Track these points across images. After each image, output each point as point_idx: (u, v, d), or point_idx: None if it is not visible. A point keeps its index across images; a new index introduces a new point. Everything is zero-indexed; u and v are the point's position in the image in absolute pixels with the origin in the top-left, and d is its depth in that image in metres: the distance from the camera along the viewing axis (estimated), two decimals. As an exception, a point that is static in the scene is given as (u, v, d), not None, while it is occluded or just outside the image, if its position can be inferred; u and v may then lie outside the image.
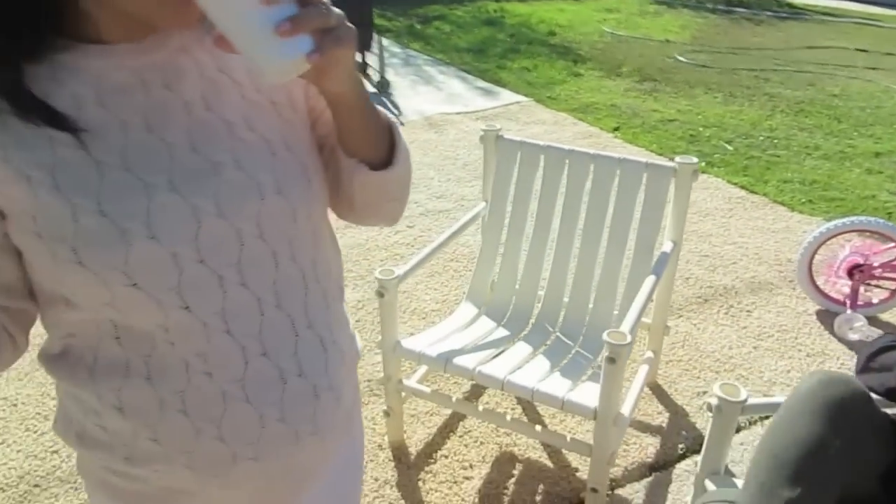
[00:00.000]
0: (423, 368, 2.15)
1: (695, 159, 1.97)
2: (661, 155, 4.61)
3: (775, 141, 4.97)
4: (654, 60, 7.34)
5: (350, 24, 0.64)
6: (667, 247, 2.08)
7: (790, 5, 11.75)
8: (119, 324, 0.72)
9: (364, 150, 0.79)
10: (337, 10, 0.63)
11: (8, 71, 0.62)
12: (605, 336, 1.54)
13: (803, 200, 4.04)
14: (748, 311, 2.95)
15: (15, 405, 2.34)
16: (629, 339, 1.54)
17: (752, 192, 4.16)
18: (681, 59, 7.40)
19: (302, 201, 0.77)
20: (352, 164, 0.80)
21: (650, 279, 1.87)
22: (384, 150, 0.81)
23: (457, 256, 3.26)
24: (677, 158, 1.99)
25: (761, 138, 5.01)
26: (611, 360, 1.52)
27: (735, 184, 4.24)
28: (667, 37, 8.64)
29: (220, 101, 0.73)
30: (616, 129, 5.18)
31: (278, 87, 0.76)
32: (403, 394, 2.05)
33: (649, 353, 2.27)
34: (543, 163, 2.12)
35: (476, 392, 2.40)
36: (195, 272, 0.70)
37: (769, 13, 10.96)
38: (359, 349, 0.95)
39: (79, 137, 0.65)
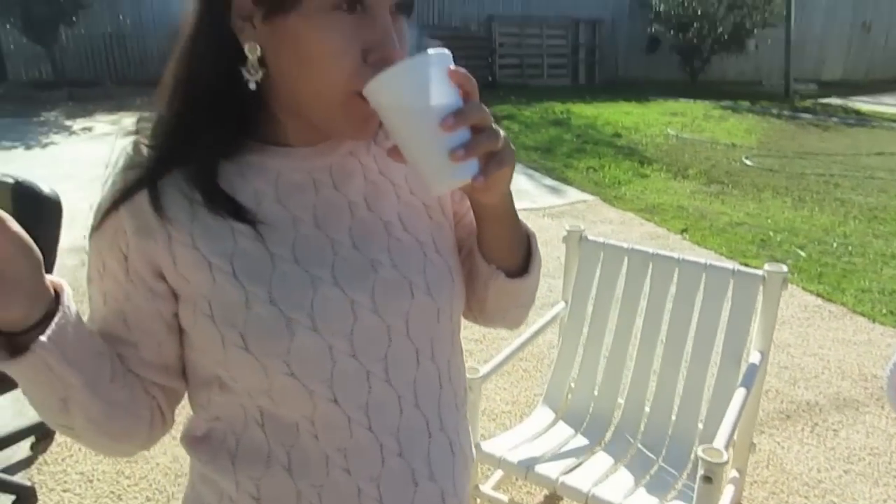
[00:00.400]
0: (497, 474, 2.08)
1: (784, 267, 1.93)
2: (731, 258, 4.54)
3: (850, 248, 4.84)
4: (721, 163, 7.35)
5: (512, 146, 0.69)
6: (755, 357, 2.00)
7: (857, 112, 11.70)
8: (267, 411, 0.74)
9: (503, 257, 0.82)
10: (502, 132, 0.67)
11: (206, 169, 0.71)
12: (699, 452, 1.47)
13: (884, 311, 3.87)
14: (835, 430, 2.79)
15: (90, 481, 2.36)
16: (726, 456, 1.47)
17: (830, 300, 4.02)
18: (748, 162, 7.40)
19: (447, 302, 0.80)
20: (490, 269, 0.82)
21: (740, 392, 1.80)
22: (521, 257, 0.84)
23: (527, 356, 3.21)
24: (766, 266, 1.95)
25: (835, 245, 4.89)
26: (706, 479, 1.45)
27: (811, 291, 4.11)
28: (732, 140, 8.69)
29: (379, 202, 0.79)
30: (684, 230, 5.14)
31: (428, 193, 0.81)
32: (479, 500, 1.99)
33: (734, 473, 2.15)
34: (627, 265, 2.11)
35: (551, 502, 2.30)
36: (347, 366, 0.72)
37: (836, 119, 10.92)
38: (474, 454, 0.94)
39: (257, 230, 0.71)
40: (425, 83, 0.64)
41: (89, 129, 8.69)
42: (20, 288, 0.60)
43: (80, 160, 6.75)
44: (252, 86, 0.69)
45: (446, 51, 0.65)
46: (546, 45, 14.63)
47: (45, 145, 7.60)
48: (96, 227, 0.71)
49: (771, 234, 5.09)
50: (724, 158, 7.62)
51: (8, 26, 11.38)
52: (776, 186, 6.44)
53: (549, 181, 6.46)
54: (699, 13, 13.82)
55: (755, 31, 14.37)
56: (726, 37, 14.02)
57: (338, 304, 0.72)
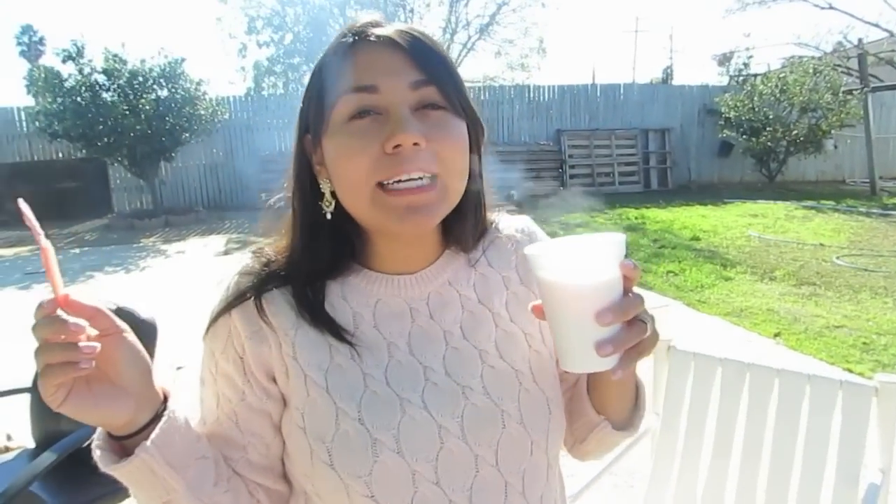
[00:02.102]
0: None
1: (900, 378, 1.77)
2: (832, 364, 4.23)
3: (967, 351, 4.43)
4: (810, 264, 7.04)
5: (657, 332, 0.70)
6: (875, 477, 1.80)
7: (954, 206, 11.12)
8: None
9: (613, 410, 0.83)
10: (651, 320, 0.68)
11: (313, 287, 0.77)
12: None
13: None
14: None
15: None
16: None
17: (954, 410, 3.63)
18: (839, 262, 7.06)
19: (541, 434, 0.78)
20: (597, 419, 0.83)
21: (863, 518, 1.61)
22: (630, 408, 0.84)
23: (617, 470, 3.02)
24: (878, 376, 1.79)
25: (949, 348, 4.49)
26: None
27: (930, 400, 3.74)
28: (820, 240, 8.35)
29: (476, 331, 0.80)
30: (777, 334, 4.86)
31: (532, 318, 0.79)
32: None
33: None
34: (721, 376, 1.99)
35: None
36: (429, 493, 0.71)
37: (932, 214, 10.39)
38: None
39: (354, 350, 0.75)
40: (591, 268, 0.64)
41: (182, 252, 9.25)
42: (130, 392, 0.64)
43: (174, 282, 7.14)
44: (328, 216, 0.76)
45: (622, 236, 0.66)
46: (616, 154, 14.84)
47: (143, 269, 8.10)
48: (209, 328, 0.76)
49: (874, 336, 4.74)
50: (812, 259, 7.30)
51: (115, 164, 12.52)
52: (874, 286, 6.07)
53: (627, 288, 6.32)
54: (770, 117, 13.78)
55: (832, 131, 14.15)
56: (801, 138, 13.84)
57: (424, 427, 0.72)
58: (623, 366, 0.66)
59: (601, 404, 0.83)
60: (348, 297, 0.78)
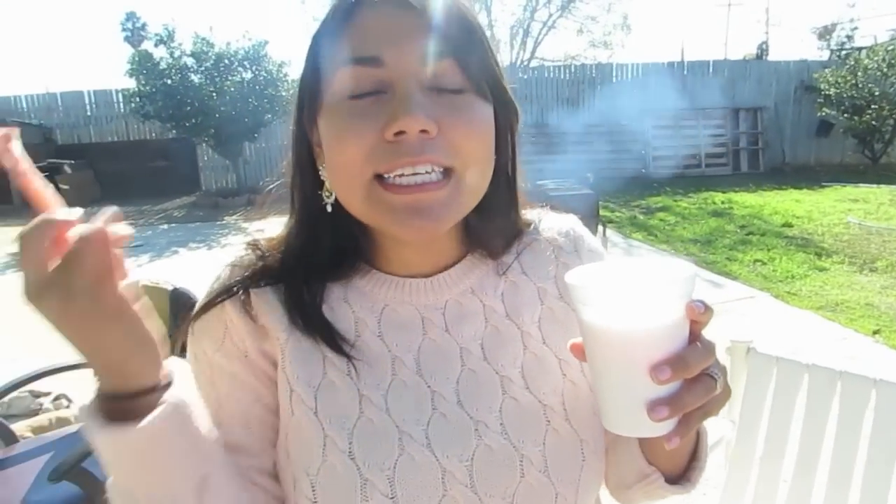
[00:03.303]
0: None
1: None
2: (941, 367, 3.84)
3: None
4: (918, 255, 6.47)
5: (729, 387, 0.56)
6: None
7: None
8: None
9: (668, 460, 0.69)
10: (723, 373, 0.54)
11: (312, 291, 0.66)
12: None
13: None
14: None
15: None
16: None
17: None
18: (952, 253, 6.45)
19: (569, 486, 0.64)
20: (647, 468, 0.69)
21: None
22: (687, 459, 0.70)
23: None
24: None
25: None
26: None
27: None
28: (929, 229, 7.67)
29: (499, 351, 0.67)
30: (876, 331, 4.47)
31: (569, 340, 0.65)
32: None
33: None
34: (807, 385, 1.79)
35: None
36: None
37: None
38: None
39: (351, 364, 0.64)
40: (649, 309, 0.51)
41: (262, 230, 9.49)
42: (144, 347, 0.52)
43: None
44: (329, 208, 0.66)
45: (691, 269, 0.53)
46: (703, 134, 14.17)
47: (224, 246, 8.37)
48: (195, 324, 0.66)
49: None
50: (920, 249, 6.71)
51: (203, 144, 13.01)
52: None
53: (709, 275, 5.99)
54: (876, 94, 12.78)
55: (947, 107, 13.00)
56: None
57: (425, 471, 0.60)
58: (681, 432, 0.54)
59: (653, 452, 0.68)
60: (351, 301, 0.67)
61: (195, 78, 11.47)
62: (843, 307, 4.99)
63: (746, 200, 9.95)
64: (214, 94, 11.17)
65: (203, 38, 11.62)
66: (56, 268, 0.46)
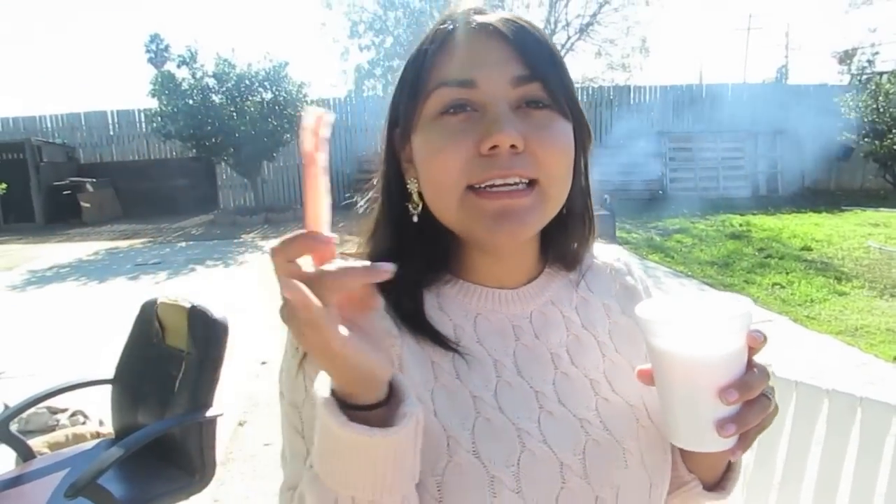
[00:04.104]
0: None
1: None
2: (965, 395, 3.76)
3: None
4: (940, 280, 6.36)
5: (777, 405, 0.63)
6: None
7: None
8: None
9: (706, 469, 0.75)
10: (772, 392, 0.62)
11: (409, 296, 0.69)
12: None
13: None
14: None
15: None
16: None
17: None
18: (975, 279, 6.34)
19: (660, 477, 0.71)
20: (687, 476, 0.75)
21: None
22: (723, 471, 0.77)
23: (704, 501, 2.80)
24: None
25: None
26: None
27: None
28: (952, 254, 7.55)
29: (583, 356, 0.73)
30: (897, 358, 4.40)
31: (637, 350, 0.74)
32: None
33: None
34: (827, 410, 1.76)
35: None
36: None
37: None
38: None
39: (457, 365, 0.67)
40: (716, 340, 0.58)
41: (279, 249, 9.58)
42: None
43: (266, 278, 7.38)
44: (415, 218, 0.70)
45: (749, 303, 0.59)
46: (721, 157, 14.12)
47: (241, 263, 8.43)
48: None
49: None
50: (942, 274, 6.60)
51: (222, 163, 13.19)
52: None
53: (727, 299, 5.94)
54: (897, 117, 12.69)
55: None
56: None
57: (546, 465, 0.64)
58: (743, 446, 0.61)
59: (693, 461, 0.74)
60: (446, 308, 0.71)
61: (216, 98, 11.65)
62: (864, 332, 4.90)
63: (765, 223, 9.87)
64: (235, 113, 11.33)
65: (225, 60, 11.82)
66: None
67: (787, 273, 6.69)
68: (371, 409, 0.53)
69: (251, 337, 4.71)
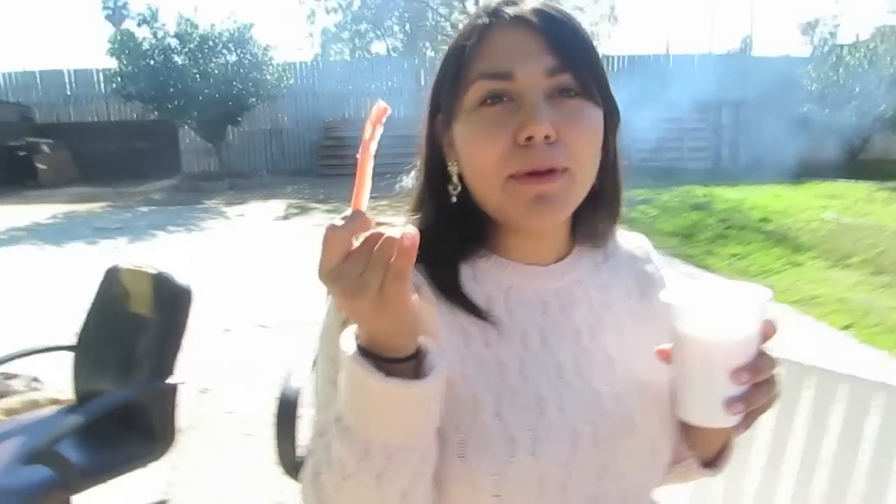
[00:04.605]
0: None
1: None
2: (908, 361, 3.94)
3: None
4: (890, 251, 6.59)
5: (778, 388, 0.68)
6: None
7: None
8: None
9: (704, 447, 0.82)
10: (777, 381, 0.68)
11: (447, 267, 0.75)
12: None
13: None
14: None
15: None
16: None
17: None
18: (924, 250, 6.58)
19: (663, 450, 0.78)
20: (686, 453, 0.83)
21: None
22: (719, 449, 0.83)
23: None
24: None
25: None
26: None
27: None
28: (903, 225, 7.81)
29: (603, 334, 0.79)
30: (847, 327, 4.56)
31: (656, 333, 0.78)
32: None
33: None
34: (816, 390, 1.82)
35: None
36: (554, 498, 0.69)
37: None
38: None
39: (487, 333, 0.73)
40: (733, 326, 0.64)
41: (242, 215, 9.44)
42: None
43: (231, 245, 7.29)
44: (453, 199, 0.75)
45: (768, 293, 0.65)
46: (686, 127, 14.27)
47: (204, 230, 8.31)
48: None
49: (956, 333, 4.39)
50: (893, 245, 6.82)
51: (185, 127, 12.88)
52: (960, 278, 5.64)
53: (687, 269, 6.07)
54: (857, 91, 12.95)
55: (924, 107, 13.22)
56: (890, 114, 12.98)
57: (561, 431, 0.70)
58: (746, 424, 0.67)
59: (695, 439, 0.81)
60: (480, 280, 0.76)
61: (178, 59, 11.34)
62: (817, 302, 5.07)
63: (727, 194, 10.06)
64: (198, 76, 11.05)
65: (187, 19, 11.48)
66: (358, 260, 0.54)
67: (746, 244, 6.87)
68: (404, 361, 0.59)
69: (214, 305, 4.67)
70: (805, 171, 12.45)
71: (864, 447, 1.71)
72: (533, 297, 0.77)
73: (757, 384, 0.65)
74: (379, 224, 0.56)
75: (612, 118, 0.76)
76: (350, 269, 0.54)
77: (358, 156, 0.59)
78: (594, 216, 0.81)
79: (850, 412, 1.74)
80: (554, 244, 0.80)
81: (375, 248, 0.54)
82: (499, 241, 0.78)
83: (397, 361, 0.59)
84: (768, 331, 0.65)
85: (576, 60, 0.70)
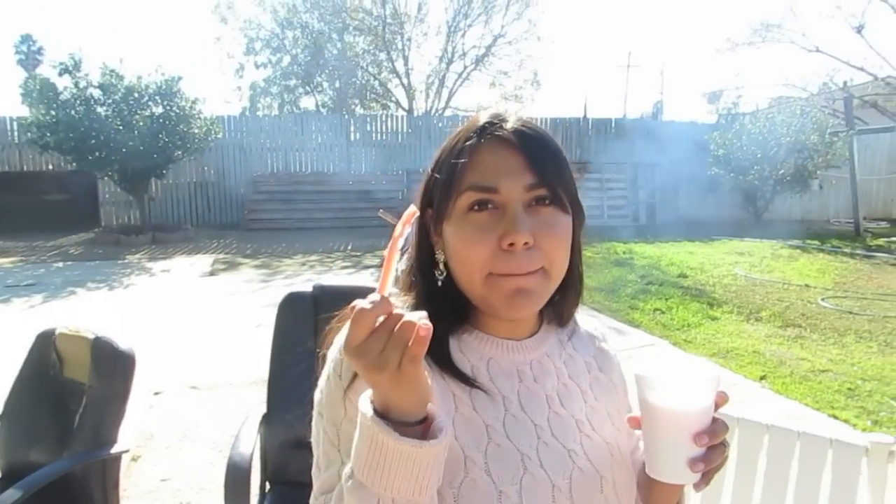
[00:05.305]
0: None
1: (890, 438, 1.75)
2: (818, 410, 4.22)
3: (953, 400, 4.43)
4: (796, 305, 7.07)
5: (728, 449, 0.80)
6: (863, 539, 1.77)
7: (939, 251, 11.24)
8: None
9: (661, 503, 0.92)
10: (729, 442, 0.80)
11: (439, 342, 0.81)
12: None
13: None
14: None
15: None
16: None
17: (938, 462, 3.62)
18: (824, 304, 7.09)
19: (627, 498, 0.88)
20: None
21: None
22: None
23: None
24: (869, 436, 1.78)
25: (934, 396, 4.49)
26: None
27: (914, 451, 3.73)
28: (805, 281, 8.41)
29: (570, 401, 0.90)
30: (762, 377, 4.85)
31: (614, 401, 0.95)
32: None
33: None
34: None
35: None
36: None
37: (916, 258, 10.50)
38: None
39: (474, 398, 0.82)
40: (695, 397, 0.75)
41: (167, 270, 9.15)
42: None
43: (156, 303, 7.05)
44: (439, 283, 0.85)
45: (717, 370, 0.78)
46: (605, 186, 14.95)
47: (127, 286, 7.99)
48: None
49: (859, 382, 4.74)
50: (798, 300, 7.33)
51: (105, 178, 12.45)
52: (858, 330, 6.10)
53: (614, 323, 6.31)
54: (758, 156, 13.97)
55: (818, 171, 14.36)
56: (788, 178, 14.03)
57: (542, 486, 0.79)
58: (705, 480, 0.78)
59: (654, 494, 0.91)
60: (465, 352, 0.86)
61: (101, 110, 11.02)
62: (734, 354, 5.38)
63: (646, 251, 10.56)
64: (122, 127, 10.77)
65: (112, 71, 11.23)
66: (379, 339, 0.62)
67: (667, 299, 7.20)
68: (416, 425, 0.67)
69: (143, 366, 4.49)
70: (716, 230, 13.22)
71: (789, 490, 1.86)
72: (511, 367, 0.88)
73: (714, 445, 0.76)
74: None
75: (578, 220, 0.88)
76: (372, 347, 0.62)
77: (386, 251, 0.68)
78: (562, 299, 0.93)
79: (773, 456, 1.89)
80: (527, 323, 0.92)
81: (395, 329, 0.62)
82: (480, 319, 0.89)
83: (409, 425, 0.66)
84: (721, 401, 0.78)
85: (550, 176, 0.82)
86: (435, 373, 0.81)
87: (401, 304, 0.86)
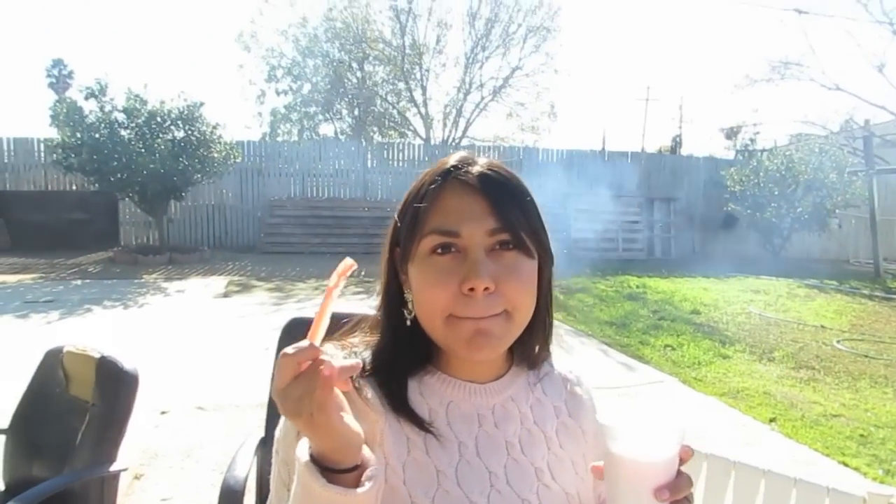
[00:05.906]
0: None
1: (890, 489, 1.73)
2: (827, 456, 4.13)
3: (969, 450, 4.33)
4: (810, 346, 6.98)
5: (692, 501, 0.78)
6: (860, 591, 1.74)
7: (959, 294, 11.06)
8: None
9: None
10: (692, 496, 0.78)
11: (396, 382, 0.84)
12: None
13: None
14: None
15: None
16: None
17: (951, 513, 3.53)
18: (840, 346, 6.99)
19: None
20: None
21: None
22: None
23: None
24: (869, 487, 1.75)
25: (950, 445, 4.39)
26: None
27: (926, 501, 3.64)
28: (821, 322, 8.30)
29: (532, 448, 0.89)
30: (772, 419, 4.77)
31: (581, 448, 0.93)
32: None
33: None
34: (705, 473, 1.95)
35: None
36: None
37: (936, 302, 10.33)
38: None
39: (428, 443, 0.82)
40: (659, 449, 0.74)
41: (182, 291, 9.24)
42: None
43: (169, 323, 7.11)
44: (408, 322, 0.86)
45: (684, 422, 0.75)
46: (621, 220, 14.94)
47: (142, 305, 8.08)
48: None
49: (872, 429, 4.64)
50: (812, 341, 7.23)
51: (126, 199, 12.67)
52: (873, 374, 5.99)
53: (623, 358, 6.26)
54: (776, 193, 13.90)
55: (836, 210, 14.25)
56: (806, 216, 13.93)
57: None
58: None
59: None
60: (425, 394, 0.86)
61: (125, 133, 11.27)
62: (744, 395, 5.29)
63: (659, 286, 10.49)
64: (144, 150, 10.99)
65: (136, 95, 11.51)
66: (298, 384, 0.63)
67: (678, 335, 7.14)
68: (346, 472, 0.67)
69: (151, 385, 4.54)
70: (731, 266, 13.12)
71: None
72: (471, 411, 0.87)
73: (676, 501, 0.74)
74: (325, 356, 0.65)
75: (545, 261, 0.87)
76: (291, 392, 0.63)
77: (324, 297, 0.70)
78: (529, 341, 0.92)
79: (768, 502, 1.87)
80: (493, 366, 0.91)
81: (311, 374, 0.63)
82: (443, 360, 0.88)
83: (340, 472, 0.67)
84: (685, 455, 0.75)
85: (513, 221, 0.81)
86: (390, 415, 0.81)
87: (363, 346, 0.88)
